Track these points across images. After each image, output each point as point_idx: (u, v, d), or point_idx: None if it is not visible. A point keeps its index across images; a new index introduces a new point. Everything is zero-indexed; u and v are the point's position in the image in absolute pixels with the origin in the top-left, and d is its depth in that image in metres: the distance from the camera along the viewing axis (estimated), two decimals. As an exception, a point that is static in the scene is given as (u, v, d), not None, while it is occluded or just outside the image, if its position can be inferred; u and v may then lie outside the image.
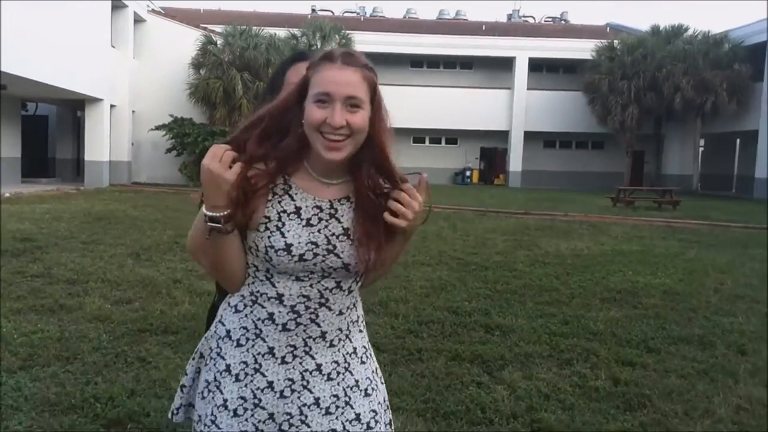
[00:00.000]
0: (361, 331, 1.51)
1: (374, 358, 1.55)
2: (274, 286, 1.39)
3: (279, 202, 1.40)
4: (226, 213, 1.32)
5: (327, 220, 1.40)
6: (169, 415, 1.52)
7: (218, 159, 1.31)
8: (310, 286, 1.39)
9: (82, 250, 7.48)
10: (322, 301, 1.40)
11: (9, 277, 5.77)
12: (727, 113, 25.88)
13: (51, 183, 19.41)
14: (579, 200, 20.22)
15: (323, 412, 1.40)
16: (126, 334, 4.24)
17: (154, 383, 3.39)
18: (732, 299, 6.02)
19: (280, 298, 1.39)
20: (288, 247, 1.36)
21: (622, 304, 5.69)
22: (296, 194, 1.41)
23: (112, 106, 20.18)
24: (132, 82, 21.71)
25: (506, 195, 22.12)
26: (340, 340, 1.44)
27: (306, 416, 1.38)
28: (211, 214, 1.32)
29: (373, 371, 1.51)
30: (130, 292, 5.46)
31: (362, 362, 1.49)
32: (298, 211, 1.39)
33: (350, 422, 1.43)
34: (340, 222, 1.41)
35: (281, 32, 24.38)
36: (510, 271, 7.03)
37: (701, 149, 30.56)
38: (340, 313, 1.43)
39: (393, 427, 1.54)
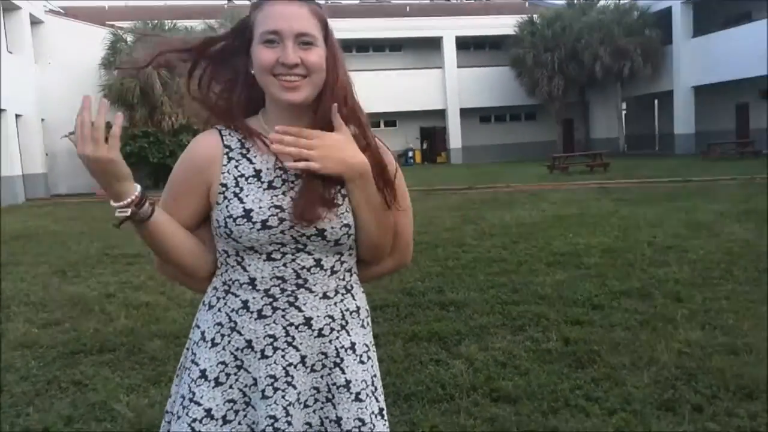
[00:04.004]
0: (364, 327, 1.33)
1: (376, 363, 1.36)
2: (245, 270, 1.23)
3: (236, 167, 1.24)
4: (130, 199, 1.16)
5: (292, 182, 1.24)
6: None
7: (89, 139, 1.13)
8: (284, 265, 1.22)
9: (1, 272, 7.00)
10: (300, 282, 1.23)
11: None
12: (643, 77, 27.32)
13: (-40, 204, 18.18)
14: (518, 171, 20.85)
15: (302, 406, 1.25)
16: (57, 358, 3.98)
17: (93, 407, 3.19)
18: (664, 250, 6.31)
19: (252, 282, 1.23)
20: (247, 213, 1.19)
21: (565, 266, 5.85)
22: (255, 156, 1.25)
23: (17, 115, 19.08)
24: (37, 88, 20.60)
25: (449, 172, 22.51)
26: (332, 330, 1.27)
27: (291, 416, 1.22)
28: (116, 204, 1.16)
29: (373, 376, 1.33)
30: (59, 312, 5.13)
31: (361, 362, 1.30)
32: (257, 174, 1.24)
33: (330, 422, 1.27)
34: None
35: (197, 24, 23.55)
36: (459, 247, 7.10)
37: (624, 112, 32.06)
38: (326, 296, 1.26)
39: None
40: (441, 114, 31.14)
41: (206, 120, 1.32)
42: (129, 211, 1.16)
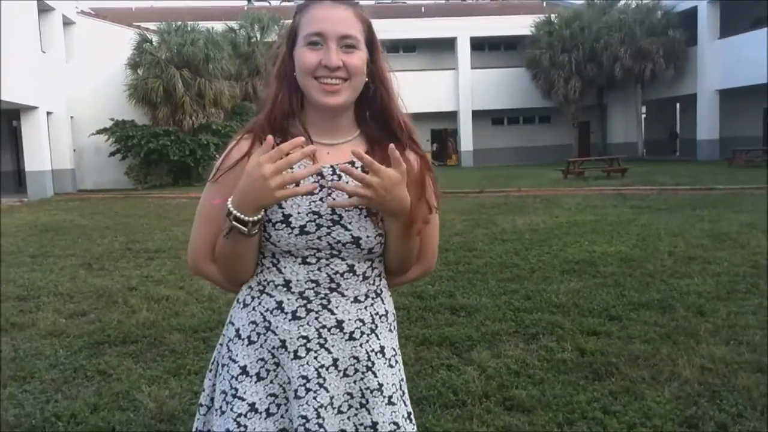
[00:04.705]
0: (391, 330, 1.36)
1: (402, 367, 1.38)
2: (280, 272, 1.27)
3: None
4: (257, 218, 1.18)
5: (330, 189, 1.26)
6: None
7: (282, 176, 1.12)
8: (318, 269, 1.26)
9: (31, 264, 7.22)
10: (333, 285, 1.26)
11: (-46, 298, 5.49)
12: (665, 79, 26.67)
13: (-8, 197, 18.59)
14: (530, 175, 20.54)
15: (335, 411, 1.26)
16: (83, 347, 4.12)
17: (117, 396, 3.30)
18: (686, 261, 6.15)
19: (287, 284, 1.26)
20: (286, 219, 1.22)
21: (581, 274, 5.77)
22: None
23: (48, 113, 19.43)
24: (67, 86, 20.99)
25: (460, 175, 22.27)
26: (362, 333, 1.29)
27: (323, 419, 1.24)
28: (239, 215, 1.17)
29: (400, 380, 1.35)
30: (85, 303, 5.30)
31: (390, 366, 1.33)
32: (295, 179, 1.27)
33: (365, 428, 1.29)
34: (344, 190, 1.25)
35: (218, 26, 23.89)
36: (470, 251, 7.05)
37: (643, 116, 31.47)
38: (357, 300, 1.29)
39: None
40: (452, 116, 30.77)
41: (250, 128, 1.33)
42: (247, 230, 1.18)
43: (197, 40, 21.81)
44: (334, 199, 1.25)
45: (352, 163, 1.27)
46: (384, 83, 1.31)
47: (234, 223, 1.18)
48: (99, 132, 21.08)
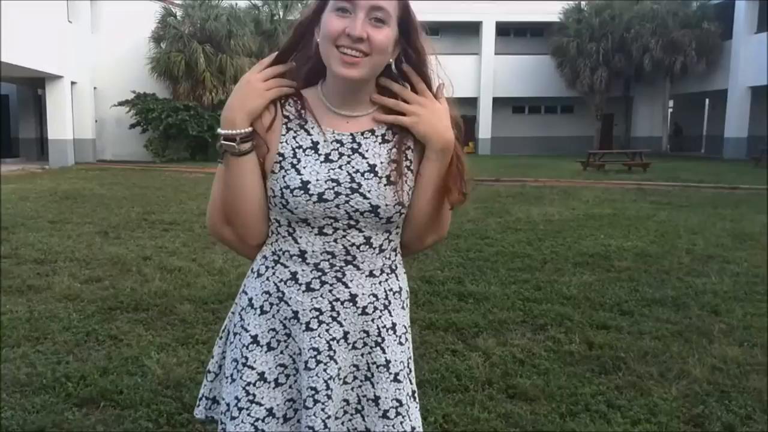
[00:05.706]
0: (403, 308, 1.36)
1: (411, 346, 1.37)
2: (296, 242, 1.25)
3: (294, 138, 1.25)
4: (243, 131, 1.21)
5: (349, 156, 1.24)
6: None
7: (260, 70, 1.24)
8: (335, 241, 1.24)
9: (50, 229, 7.37)
10: (349, 258, 1.25)
11: (-27, 260, 5.61)
12: (696, 73, 26.01)
13: (15, 163, 19.01)
14: (549, 165, 20.30)
15: (341, 382, 1.27)
16: (96, 312, 4.20)
17: (126, 361, 3.36)
18: (704, 260, 6.04)
19: (302, 255, 1.25)
20: (305, 185, 1.21)
21: (594, 268, 5.70)
22: (313, 128, 1.26)
23: (72, 83, 19.73)
24: (91, 57, 21.20)
25: (476, 162, 22.01)
26: (375, 309, 1.29)
27: (332, 390, 1.25)
28: (226, 132, 1.21)
29: (408, 358, 1.34)
30: (100, 270, 5.39)
31: (400, 343, 1.32)
32: (315, 146, 1.25)
33: (367, 400, 1.29)
34: (364, 157, 1.24)
35: (242, 2, 23.74)
36: (482, 239, 6.99)
37: (670, 110, 30.83)
38: (372, 275, 1.28)
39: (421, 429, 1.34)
40: (473, 102, 30.16)
41: None
42: (236, 145, 1.21)
43: (220, 15, 21.81)
44: (353, 166, 1.25)
45: (372, 132, 1.27)
46: (417, 50, 1.28)
47: (223, 141, 1.21)
48: (120, 104, 21.27)
